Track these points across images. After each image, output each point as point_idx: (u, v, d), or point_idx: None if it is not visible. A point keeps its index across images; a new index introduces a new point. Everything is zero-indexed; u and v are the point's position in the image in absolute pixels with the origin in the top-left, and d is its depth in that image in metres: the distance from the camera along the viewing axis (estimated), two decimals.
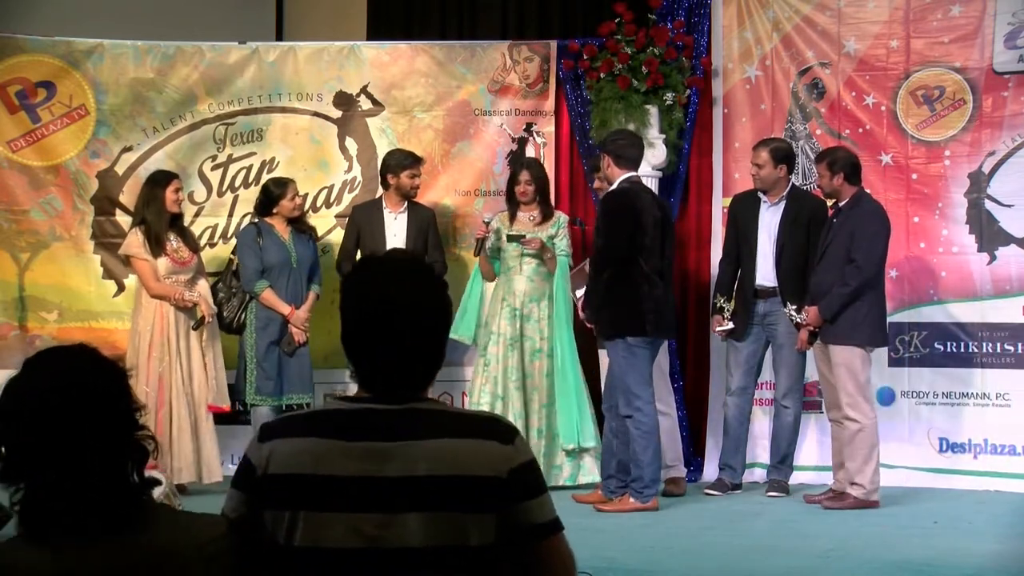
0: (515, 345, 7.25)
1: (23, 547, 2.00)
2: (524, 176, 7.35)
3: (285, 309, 7.33)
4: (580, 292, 7.32)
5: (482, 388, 7.25)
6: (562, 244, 7.35)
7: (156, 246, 7.11)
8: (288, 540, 2.20)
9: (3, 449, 2.05)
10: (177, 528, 2.11)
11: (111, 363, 2.14)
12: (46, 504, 2.02)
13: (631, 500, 6.49)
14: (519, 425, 7.04)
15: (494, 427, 2.30)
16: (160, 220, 7.13)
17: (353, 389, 2.39)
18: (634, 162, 6.66)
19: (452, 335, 7.29)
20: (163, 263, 7.12)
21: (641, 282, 6.45)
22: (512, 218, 7.43)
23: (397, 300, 2.30)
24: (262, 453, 2.25)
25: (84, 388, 2.06)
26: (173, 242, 7.19)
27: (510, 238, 7.36)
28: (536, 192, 7.34)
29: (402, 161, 7.52)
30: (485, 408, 7.00)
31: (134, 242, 7.17)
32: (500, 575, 2.25)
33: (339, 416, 2.29)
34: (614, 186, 6.60)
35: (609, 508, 6.49)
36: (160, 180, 7.23)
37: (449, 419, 2.31)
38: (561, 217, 7.48)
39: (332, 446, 2.23)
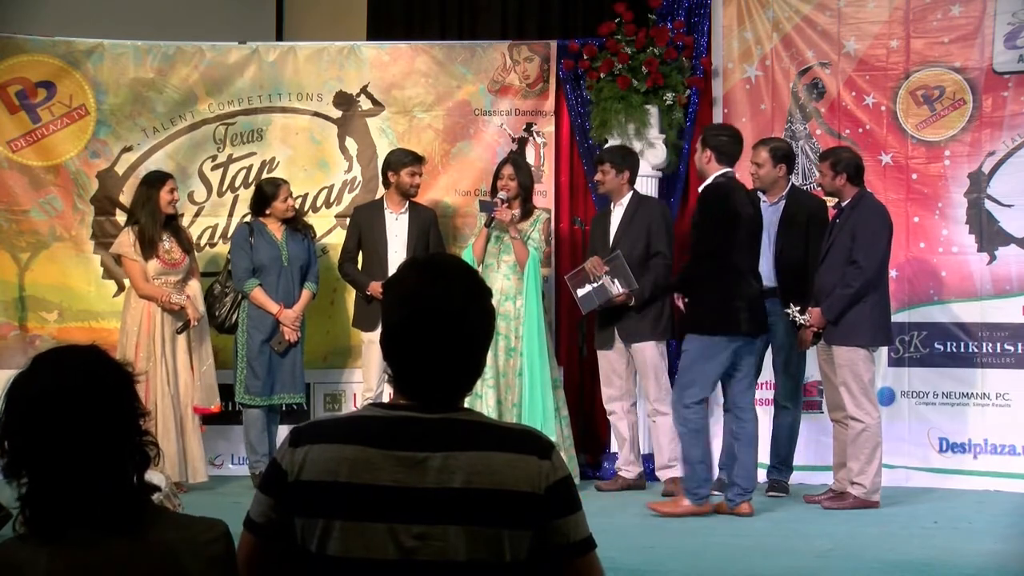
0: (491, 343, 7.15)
1: (20, 546, 1.99)
2: (507, 170, 7.29)
3: (274, 308, 7.33)
4: (581, 292, 7.30)
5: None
6: (535, 237, 7.26)
7: (148, 247, 7.08)
8: (321, 549, 2.16)
9: (7, 444, 2.05)
10: (174, 531, 2.10)
11: (119, 365, 2.13)
12: (45, 501, 2.01)
13: (685, 501, 6.35)
14: None
15: (532, 441, 2.24)
16: (153, 221, 7.10)
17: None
18: (733, 160, 6.56)
19: None
20: (153, 264, 7.11)
21: (732, 279, 6.32)
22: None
23: (442, 307, 2.22)
24: (295, 458, 2.20)
25: (89, 388, 2.05)
26: (166, 243, 7.17)
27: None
28: (519, 188, 7.29)
29: (402, 159, 7.51)
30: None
31: (125, 242, 7.16)
32: None
33: (376, 423, 2.22)
34: (709, 181, 6.47)
35: (660, 508, 6.34)
36: (154, 181, 7.21)
37: (487, 431, 2.25)
38: (541, 214, 7.42)
39: (369, 454, 2.17)
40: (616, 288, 7.19)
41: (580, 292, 7.31)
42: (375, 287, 7.19)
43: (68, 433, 2.02)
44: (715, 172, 6.44)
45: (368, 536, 2.14)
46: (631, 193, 7.42)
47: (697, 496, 6.34)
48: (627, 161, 7.42)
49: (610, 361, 7.41)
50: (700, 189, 6.54)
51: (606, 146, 7.69)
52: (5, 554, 1.98)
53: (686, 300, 6.79)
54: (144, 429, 2.13)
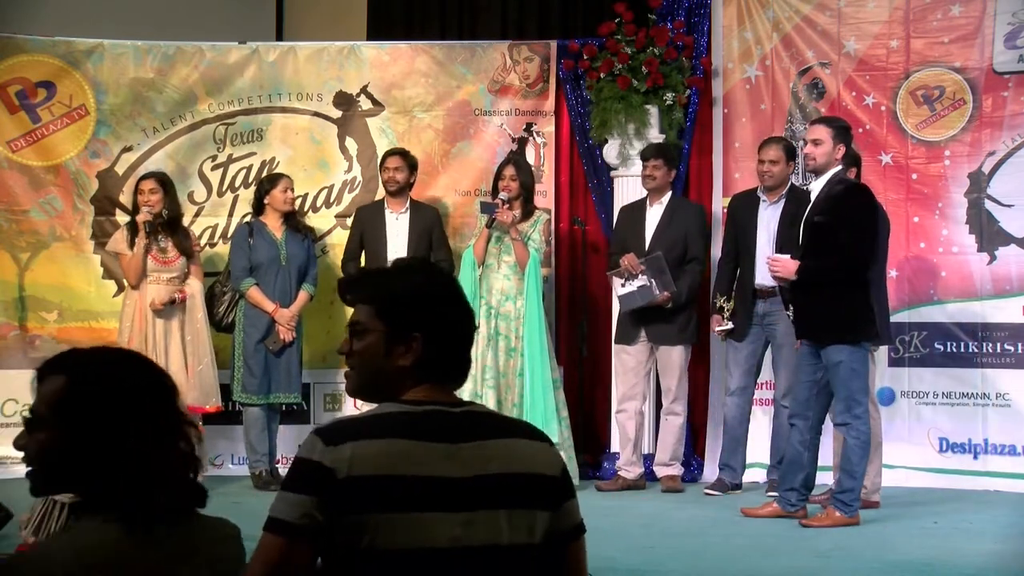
0: (491, 343, 7.23)
1: (96, 527, 2.01)
2: (509, 171, 7.31)
3: (269, 307, 7.34)
4: (623, 291, 7.28)
5: (462, 387, 7.18)
6: (535, 238, 7.29)
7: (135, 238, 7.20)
8: (372, 543, 2.18)
9: (98, 427, 2.06)
10: (210, 523, 2.17)
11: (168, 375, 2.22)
12: (141, 491, 2.04)
13: (837, 513, 6.08)
14: None
15: (537, 430, 2.43)
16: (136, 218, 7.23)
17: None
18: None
19: None
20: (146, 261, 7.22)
21: (869, 286, 6.14)
22: None
23: (470, 309, 2.40)
24: (340, 455, 2.19)
25: (164, 381, 2.14)
26: (162, 242, 7.23)
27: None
28: (520, 189, 7.30)
29: (383, 155, 7.67)
30: None
31: (119, 238, 7.29)
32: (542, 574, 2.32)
33: (411, 418, 2.28)
34: (829, 175, 6.13)
35: (815, 523, 6.10)
36: (136, 181, 7.40)
37: (501, 421, 2.41)
38: (542, 215, 7.44)
39: (416, 447, 2.23)
40: (658, 290, 7.20)
41: (621, 291, 7.30)
42: None
43: (163, 422, 2.09)
44: (836, 168, 6.17)
45: (421, 526, 2.19)
46: (670, 193, 7.45)
47: (853, 508, 6.11)
48: (677, 160, 7.50)
49: (630, 357, 7.40)
50: (830, 185, 6.13)
51: (654, 142, 7.67)
52: (85, 536, 1.99)
53: (796, 301, 6.33)
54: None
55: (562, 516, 2.32)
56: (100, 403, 2.05)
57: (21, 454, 2.14)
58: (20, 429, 2.14)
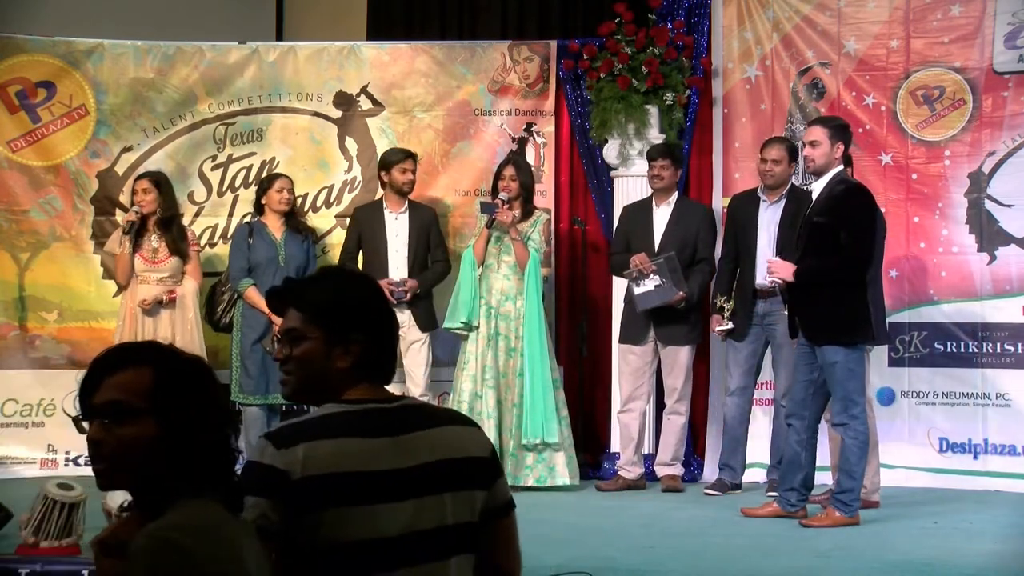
0: (491, 343, 7.23)
1: (202, 510, 2.04)
2: (508, 171, 7.32)
3: (266, 307, 7.34)
4: (639, 290, 7.26)
5: (462, 387, 7.22)
6: (535, 238, 7.30)
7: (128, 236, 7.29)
8: (333, 538, 2.27)
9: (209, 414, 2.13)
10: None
11: None
12: (230, 472, 2.14)
13: (837, 513, 6.07)
14: (491, 424, 7.06)
15: (465, 416, 2.63)
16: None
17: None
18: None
19: (451, 326, 7.28)
20: (136, 262, 7.27)
21: (865, 286, 6.15)
22: None
23: (393, 311, 2.60)
24: (294, 457, 2.29)
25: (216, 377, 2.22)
26: (154, 241, 7.28)
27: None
28: (520, 189, 7.31)
29: (391, 157, 7.56)
30: (464, 406, 7.01)
31: (114, 238, 7.40)
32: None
33: (354, 416, 2.39)
34: (830, 175, 6.14)
35: (815, 523, 6.09)
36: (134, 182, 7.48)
37: (433, 411, 2.53)
38: (541, 215, 7.45)
39: (361, 444, 2.35)
40: (675, 290, 7.20)
41: (637, 290, 7.29)
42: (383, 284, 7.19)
43: (227, 410, 2.21)
44: (837, 167, 6.16)
45: (375, 517, 2.30)
46: (676, 193, 7.45)
47: (853, 508, 6.11)
48: (682, 160, 7.49)
49: (636, 357, 7.41)
50: (831, 186, 6.11)
51: (658, 142, 7.66)
52: (213, 515, 2.05)
53: (791, 302, 6.33)
54: None
55: (495, 493, 2.47)
56: (197, 391, 2.11)
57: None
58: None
